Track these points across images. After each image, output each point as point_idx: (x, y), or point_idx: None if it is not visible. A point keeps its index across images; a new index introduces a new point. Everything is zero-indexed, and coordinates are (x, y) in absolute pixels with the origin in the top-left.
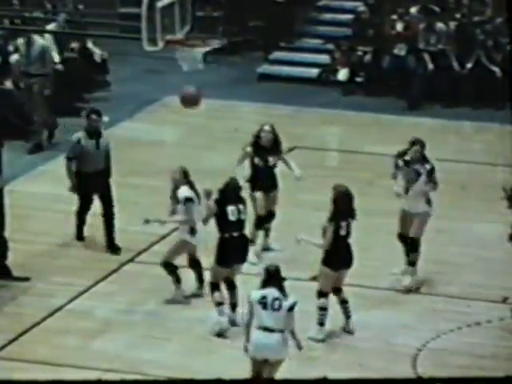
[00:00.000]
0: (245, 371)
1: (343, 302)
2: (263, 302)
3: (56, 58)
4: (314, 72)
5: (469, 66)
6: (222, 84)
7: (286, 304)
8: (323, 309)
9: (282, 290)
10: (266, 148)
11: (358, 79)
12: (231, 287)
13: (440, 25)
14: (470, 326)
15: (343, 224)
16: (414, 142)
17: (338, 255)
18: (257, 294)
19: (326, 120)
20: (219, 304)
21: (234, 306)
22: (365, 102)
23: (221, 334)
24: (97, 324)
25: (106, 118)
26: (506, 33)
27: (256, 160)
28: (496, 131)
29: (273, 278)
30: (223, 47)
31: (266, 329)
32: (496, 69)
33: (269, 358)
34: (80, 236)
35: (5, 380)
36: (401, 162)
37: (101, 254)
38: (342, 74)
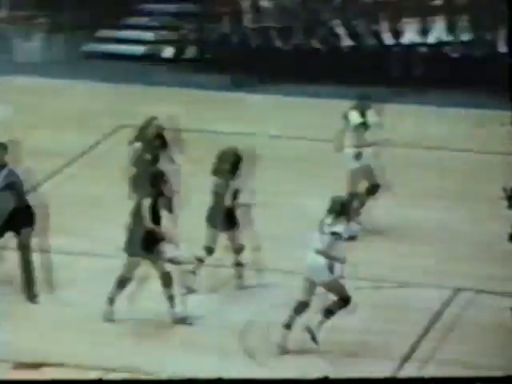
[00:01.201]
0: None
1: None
2: (321, 227)
3: None
4: (140, 49)
5: (292, 42)
6: (47, 63)
7: (331, 229)
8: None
9: (336, 218)
10: (152, 141)
11: (185, 56)
12: None
13: (263, 2)
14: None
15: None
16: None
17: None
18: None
19: (154, 97)
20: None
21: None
22: (192, 78)
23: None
24: None
25: None
26: (327, 9)
27: (146, 156)
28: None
29: (333, 207)
30: (47, 25)
31: (315, 251)
32: (319, 45)
33: (313, 279)
34: None
35: (5, 380)
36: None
37: None
38: (168, 52)
